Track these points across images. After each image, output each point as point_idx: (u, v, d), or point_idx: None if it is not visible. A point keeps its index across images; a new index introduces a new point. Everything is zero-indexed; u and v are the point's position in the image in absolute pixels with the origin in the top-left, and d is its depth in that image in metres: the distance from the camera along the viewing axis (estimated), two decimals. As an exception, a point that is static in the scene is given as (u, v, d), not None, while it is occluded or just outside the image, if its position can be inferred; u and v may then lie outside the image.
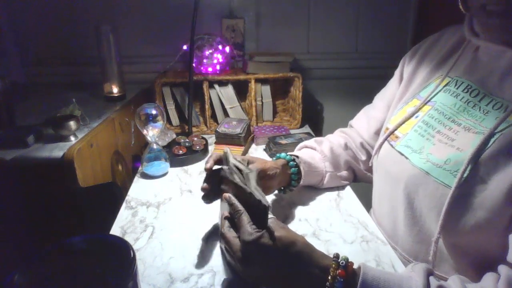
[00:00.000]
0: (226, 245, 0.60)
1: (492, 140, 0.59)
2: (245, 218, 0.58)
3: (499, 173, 0.56)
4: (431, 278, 0.53)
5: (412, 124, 0.73)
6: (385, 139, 0.78)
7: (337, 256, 0.53)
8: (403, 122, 0.75)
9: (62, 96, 1.32)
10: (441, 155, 0.64)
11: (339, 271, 0.51)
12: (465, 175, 0.59)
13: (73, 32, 1.46)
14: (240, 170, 0.70)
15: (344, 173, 0.94)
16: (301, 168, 0.86)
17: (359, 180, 0.98)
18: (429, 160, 0.66)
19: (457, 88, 0.70)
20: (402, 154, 0.72)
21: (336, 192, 0.94)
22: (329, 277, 0.51)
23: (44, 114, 1.09)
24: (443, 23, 0.84)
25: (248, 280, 0.60)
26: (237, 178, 0.67)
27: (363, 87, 1.66)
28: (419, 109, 0.74)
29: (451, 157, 0.63)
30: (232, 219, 0.62)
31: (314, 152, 0.92)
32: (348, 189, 0.96)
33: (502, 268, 0.54)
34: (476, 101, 0.65)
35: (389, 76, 0.94)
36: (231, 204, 0.62)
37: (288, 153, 0.89)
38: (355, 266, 0.53)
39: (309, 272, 0.53)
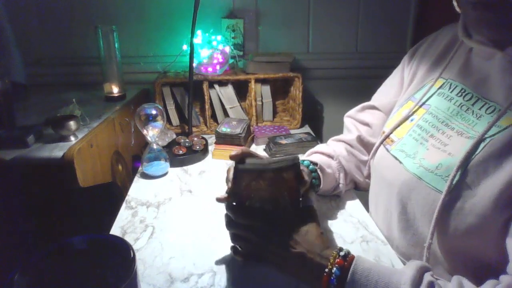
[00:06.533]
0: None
1: (482, 145, 0.58)
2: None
3: (488, 179, 0.56)
4: (426, 275, 0.53)
5: (408, 128, 0.73)
6: (381, 142, 0.78)
7: (340, 248, 0.57)
8: (398, 125, 0.75)
9: (62, 96, 1.33)
10: (433, 160, 0.64)
11: (338, 260, 0.55)
12: (455, 180, 0.59)
13: (73, 32, 1.46)
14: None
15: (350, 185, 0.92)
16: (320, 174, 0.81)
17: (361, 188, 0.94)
18: (422, 165, 0.66)
19: (451, 92, 0.69)
20: (397, 159, 0.72)
21: (336, 192, 0.94)
22: (329, 264, 0.55)
23: (44, 114, 1.09)
24: (443, 23, 0.84)
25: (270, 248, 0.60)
26: (252, 163, 0.61)
27: (363, 87, 1.65)
28: (413, 111, 0.74)
29: (443, 162, 0.63)
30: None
31: (331, 160, 0.86)
32: (348, 189, 0.96)
33: (504, 278, 0.52)
34: (469, 105, 0.65)
35: (389, 76, 0.93)
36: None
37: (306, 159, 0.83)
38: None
39: (313, 257, 0.57)
